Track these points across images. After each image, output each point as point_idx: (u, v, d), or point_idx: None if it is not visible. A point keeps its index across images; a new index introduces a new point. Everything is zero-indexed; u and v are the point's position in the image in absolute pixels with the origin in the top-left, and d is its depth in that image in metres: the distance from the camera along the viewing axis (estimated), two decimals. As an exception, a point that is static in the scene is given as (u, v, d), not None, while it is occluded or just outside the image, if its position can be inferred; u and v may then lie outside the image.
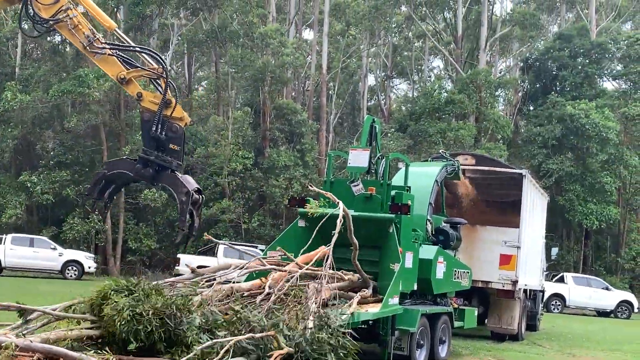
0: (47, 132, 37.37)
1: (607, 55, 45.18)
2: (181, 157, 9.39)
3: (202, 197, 9.66)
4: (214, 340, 7.98)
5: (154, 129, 9.14)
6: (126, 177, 9.61)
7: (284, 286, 9.53)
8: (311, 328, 8.36)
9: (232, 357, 7.67)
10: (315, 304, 9.00)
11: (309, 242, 10.41)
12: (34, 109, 35.83)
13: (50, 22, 9.18)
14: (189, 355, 7.76)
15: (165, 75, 9.29)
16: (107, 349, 7.92)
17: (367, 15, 45.23)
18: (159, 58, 9.42)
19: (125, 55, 9.45)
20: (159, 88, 9.55)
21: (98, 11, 9.53)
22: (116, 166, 9.68)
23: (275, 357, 7.75)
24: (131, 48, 9.58)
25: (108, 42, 9.35)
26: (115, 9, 39.99)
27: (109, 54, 9.20)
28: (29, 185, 35.08)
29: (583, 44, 44.25)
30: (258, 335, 7.99)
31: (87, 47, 9.17)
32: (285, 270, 10.17)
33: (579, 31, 45.72)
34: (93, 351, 7.91)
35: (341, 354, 8.49)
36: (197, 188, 9.51)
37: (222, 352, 7.58)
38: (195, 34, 43.27)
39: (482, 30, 44.85)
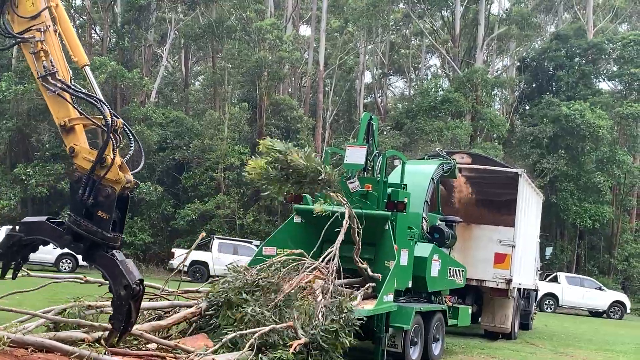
0: (42, 125, 37.25)
1: (603, 56, 45.32)
2: (109, 227, 7.67)
3: (143, 287, 7.96)
4: (238, 332, 8.39)
5: (80, 191, 7.63)
6: (49, 243, 8.04)
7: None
8: (323, 319, 8.80)
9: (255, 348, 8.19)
10: (324, 297, 9.33)
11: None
12: (29, 101, 35.73)
13: (18, 38, 7.99)
14: (215, 347, 8.30)
15: (107, 129, 7.70)
16: (102, 342, 7.98)
17: (365, 12, 45.18)
18: (106, 109, 7.82)
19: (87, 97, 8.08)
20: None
21: (74, 42, 8.33)
22: (36, 231, 7.92)
23: (295, 347, 8.22)
24: (82, 94, 7.98)
25: (62, 80, 7.91)
26: (112, 2, 39.95)
27: (59, 94, 7.88)
28: (23, 177, 35.04)
29: (580, 44, 44.38)
30: (279, 326, 8.45)
31: (40, 79, 7.91)
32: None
33: (576, 31, 45.82)
34: (85, 345, 7.94)
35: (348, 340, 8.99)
36: (140, 279, 7.84)
37: (247, 344, 8.10)
38: (192, 29, 43.22)
39: (479, 29, 44.92)
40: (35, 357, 7.45)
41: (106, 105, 7.89)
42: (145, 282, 8.17)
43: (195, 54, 53.79)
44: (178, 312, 9.84)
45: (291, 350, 8.22)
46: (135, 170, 8.06)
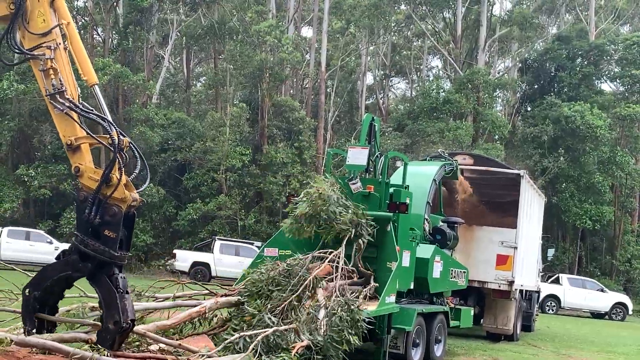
0: (44, 125, 37.25)
1: (605, 57, 45.29)
2: (116, 245, 7.72)
3: (133, 325, 7.98)
4: (242, 334, 8.38)
5: (87, 211, 7.67)
6: (67, 279, 8.01)
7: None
8: (327, 321, 8.85)
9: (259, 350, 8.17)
10: (326, 298, 9.39)
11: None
12: (31, 102, 35.74)
13: (27, 55, 7.98)
14: (218, 348, 8.27)
15: (114, 149, 7.73)
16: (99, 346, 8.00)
17: (366, 13, 45.18)
18: (113, 129, 7.85)
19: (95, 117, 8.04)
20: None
21: (84, 60, 8.31)
22: (42, 280, 7.95)
23: (297, 349, 8.20)
24: (88, 113, 7.94)
25: (70, 99, 7.90)
26: (115, 3, 39.97)
27: (66, 112, 7.88)
28: (25, 178, 35.03)
29: (581, 45, 44.37)
30: (282, 328, 8.48)
31: (49, 97, 7.92)
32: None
33: (578, 33, 45.82)
34: (88, 346, 7.93)
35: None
36: (132, 319, 7.87)
37: (251, 345, 8.05)
38: (194, 30, 43.24)
39: (481, 30, 44.90)
40: (37, 359, 7.44)
41: (113, 125, 7.92)
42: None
43: (197, 55, 53.78)
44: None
45: (293, 352, 8.21)
46: (141, 189, 8.19)
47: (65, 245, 30.99)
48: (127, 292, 7.92)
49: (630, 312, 33.73)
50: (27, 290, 7.91)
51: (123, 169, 7.78)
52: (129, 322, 7.78)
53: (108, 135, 7.80)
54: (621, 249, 42.83)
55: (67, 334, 8.34)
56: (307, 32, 54.52)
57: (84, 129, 7.96)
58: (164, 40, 45.91)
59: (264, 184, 37.77)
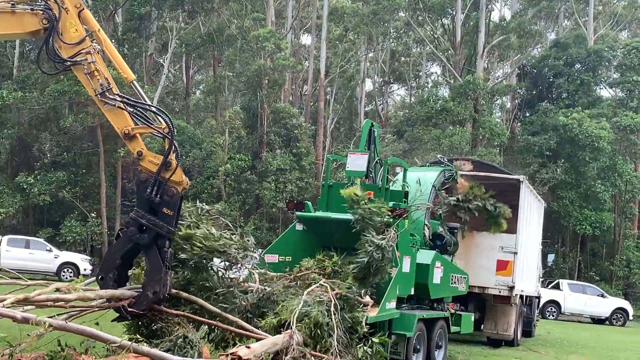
0: (43, 134, 37.28)
1: (603, 63, 45.26)
2: (173, 223, 8.82)
3: (165, 297, 8.94)
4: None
5: (148, 190, 8.68)
6: (131, 250, 9.00)
7: None
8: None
9: None
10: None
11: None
12: (30, 110, 35.75)
13: (68, 62, 8.82)
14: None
15: (170, 136, 8.81)
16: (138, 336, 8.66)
17: (365, 20, 45.23)
18: (167, 117, 8.96)
19: (138, 107, 8.98)
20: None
21: (119, 60, 9.11)
22: (114, 259, 8.98)
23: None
24: (141, 104, 8.96)
25: (120, 94, 8.86)
26: (113, 11, 40.02)
27: (118, 106, 8.80)
28: (25, 186, 34.99)
29: (579, 51, 44.34)
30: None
31: (99, 95, 8.80)
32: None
33: (575, 39, 45.82)
34: (127, 337, 8.26)
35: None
36: (169, 293, 8.97)
37: None
38: (192, 37, 43.30)
39: (479, 36, 44.89)
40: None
41: (166, 114, 8.98)
42: None
43: (197, 63, 53.89)
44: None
45: None
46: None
47: (65, 253, 31.04)
48: (169, 268, 8.88)
49: (631, 318, 33.70)
50: (100, 277, 8.89)
51: (178, 154, 8.88)
52: (166, 295, 8.83)
53: (164, 125, 8.83)
54: (621, 255, 42.77)
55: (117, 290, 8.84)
56: (306, 39, 54.67)
57: (145, 122, 8.90)
58: (164, 48, 45.99)
59: (259, 189, 37.74)
